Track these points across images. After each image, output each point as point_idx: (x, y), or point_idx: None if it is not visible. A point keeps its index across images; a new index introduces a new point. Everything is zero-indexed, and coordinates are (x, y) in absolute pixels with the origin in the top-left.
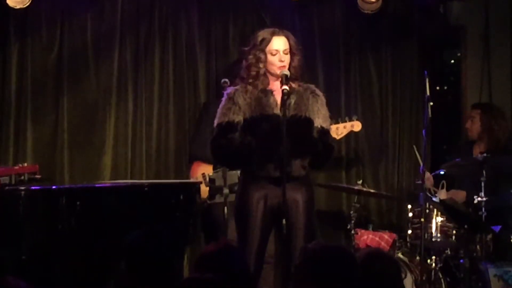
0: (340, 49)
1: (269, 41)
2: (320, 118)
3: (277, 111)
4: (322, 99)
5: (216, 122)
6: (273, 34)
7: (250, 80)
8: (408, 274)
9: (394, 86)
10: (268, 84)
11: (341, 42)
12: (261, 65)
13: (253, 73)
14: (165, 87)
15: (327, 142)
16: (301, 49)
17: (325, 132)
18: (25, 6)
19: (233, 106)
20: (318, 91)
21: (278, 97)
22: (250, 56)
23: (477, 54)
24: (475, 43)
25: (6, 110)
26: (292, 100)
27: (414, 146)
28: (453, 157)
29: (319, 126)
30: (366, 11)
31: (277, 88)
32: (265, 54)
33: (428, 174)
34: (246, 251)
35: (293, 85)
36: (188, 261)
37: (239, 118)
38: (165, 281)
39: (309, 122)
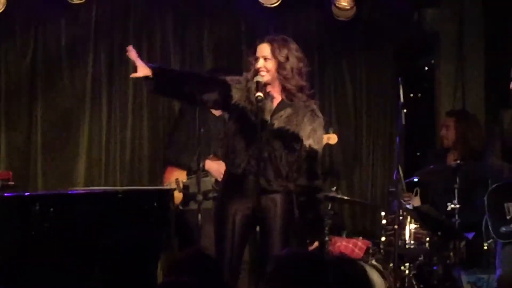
0: (315, 56)
1: (255, 48)
2: (311, 138)
3: (265, 117)
4: (320, 121)
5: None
6: (260, 41)
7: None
8: (382, 281)
9: (368, 93)
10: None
11: (315, 49)
12: (253, 70)
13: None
14: (139, 93)
15: (310, 166)
16: (301, 58)
17: (312, 154)
18: None
19: (240, 88)
20: (318, 112)
21: (274, 103)
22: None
23: (451, 61)
24: (449, 50)
25: None
26: (285, 113)
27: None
28: (427, 164)
29: (307, 146)
30: (340, 18)
31: (277, 95)
32: (254, 61)
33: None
34: (222, 260)
35: (295, 98)
36: (162, 268)
37: (235, 96)
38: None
39: (295, 138)
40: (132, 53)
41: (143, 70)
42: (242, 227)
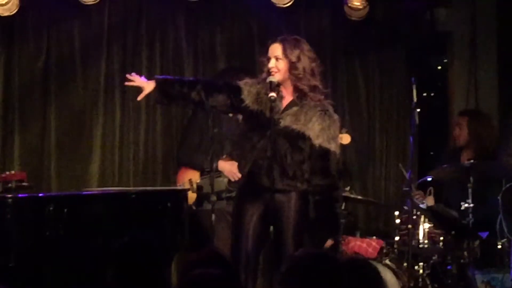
0: (327, 56)
1: (267, 48)
2: (321, 137)
3: (273, 116)
4: (333, 120)
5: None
6: (272, 41)
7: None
8: (396, 281)
9: (381, 93)
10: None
11: (328, 49)
12: (265, 70)
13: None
14: (152, 94)
15: (323, 165)
16: (313, 58)
17: (324, 153)
18: (12, 13)
19: (251, 90)
20: (331, 113)
21: (284, 103)
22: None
23: (463, 60)
24: (462, 49)
25: None
26: (292, 112)
27: (400, 165)
28: (440, 163)
29: (317, 145)
30: (353, 18)
31: (287, 95)
32: (266, 61)
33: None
34: (239, 261)
35: (308, 98)
36: (175, 268)
37: (246, 99)
38: None
39: (302, 137)
40: (133, 79)
41: (148, 86)
42: (258, 227)
